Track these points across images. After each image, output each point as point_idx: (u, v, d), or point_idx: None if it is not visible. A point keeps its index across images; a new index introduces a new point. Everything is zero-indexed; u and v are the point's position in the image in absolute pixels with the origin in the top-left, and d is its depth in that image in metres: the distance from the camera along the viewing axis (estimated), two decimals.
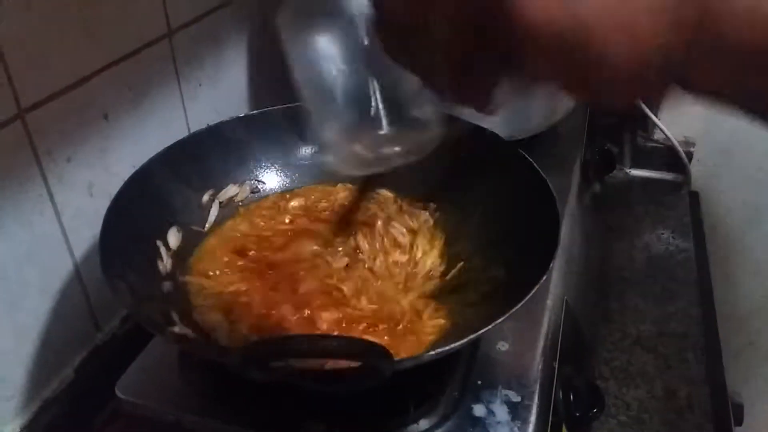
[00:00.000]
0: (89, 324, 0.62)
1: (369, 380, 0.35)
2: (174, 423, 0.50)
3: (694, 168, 1.04)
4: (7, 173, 0.50)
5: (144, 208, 0.54)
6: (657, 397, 0.68)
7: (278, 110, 0.65)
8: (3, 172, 0.50)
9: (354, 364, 0.34)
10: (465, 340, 0.42)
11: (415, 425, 0.49)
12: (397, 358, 0.35)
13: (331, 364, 0.41)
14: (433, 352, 0.40)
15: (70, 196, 0.57)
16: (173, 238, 0.55)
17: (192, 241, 0.58)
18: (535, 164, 0.58)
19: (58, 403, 0.58)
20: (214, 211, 0.61)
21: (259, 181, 0.64)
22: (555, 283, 0.64)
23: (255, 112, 0.64)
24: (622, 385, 0.70)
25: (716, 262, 0.97)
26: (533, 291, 0.43)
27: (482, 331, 0.43)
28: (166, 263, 0.53)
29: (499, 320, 0.42)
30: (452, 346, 0.41)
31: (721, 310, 0.98)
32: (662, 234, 0.93)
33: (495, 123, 0.77)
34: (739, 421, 0.80)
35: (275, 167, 0.65)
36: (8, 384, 0.55)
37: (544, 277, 0.44)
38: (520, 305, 0.43)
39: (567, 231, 0.73)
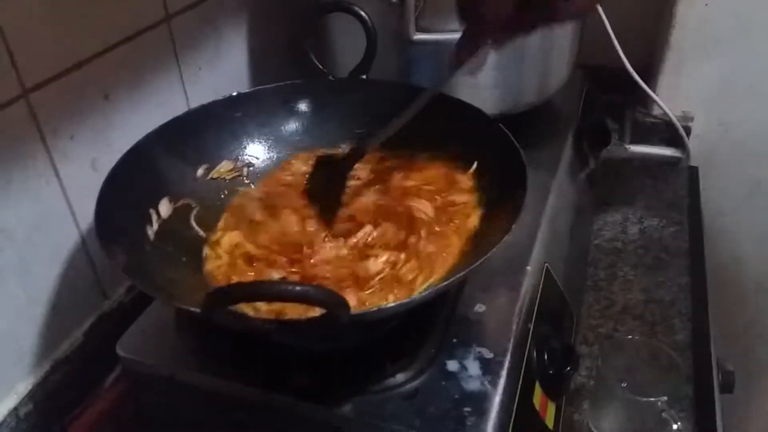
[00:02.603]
0: (97, 292, 0.67)
1: (324, 328, 0.38)
2: (168, 377, 0.54)
3: (693, 143, 1.05)
4: (13, 149, 0.54)
5: (140, 180, 0.57)
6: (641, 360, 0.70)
7: (270, 88, 0.68)
8: (9, 148, 0.53)
9: (314, 312, 0.37)
10: (411, 299, 0.46)
11: (392, 378, 0.52)
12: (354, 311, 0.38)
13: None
14: (389, 305, 0.44)
15: (74, 171, 0.60)
16: (164, 207, 0.58)
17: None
18: (505, 129, 0.60)
19: (68, 364, 0.63)
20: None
21: (252, 156, 0.67)
22: (537, 251, 0.66)
23: (247, 90, 0.67)
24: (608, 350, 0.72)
25: (716, 238, 0.98)
26: (487, 255, 0.46)
27: (429, 292, 0.46)
28: (155, 229, 0.56)
29: (450, 281, 0.46)
30: (402, 302, 0.45)
31: (724, 287, 0.99)
32: (657, 207, 0.94)
33: (487, 98, 0.80)
34: (729, 388, 0.81)
35: (268, 143, 0.68)
36: (21, 345, 0.59)
37: (504, 239, 0.47)
38: (467, 270, 0.46)
39: (553, 202, 0.75)
